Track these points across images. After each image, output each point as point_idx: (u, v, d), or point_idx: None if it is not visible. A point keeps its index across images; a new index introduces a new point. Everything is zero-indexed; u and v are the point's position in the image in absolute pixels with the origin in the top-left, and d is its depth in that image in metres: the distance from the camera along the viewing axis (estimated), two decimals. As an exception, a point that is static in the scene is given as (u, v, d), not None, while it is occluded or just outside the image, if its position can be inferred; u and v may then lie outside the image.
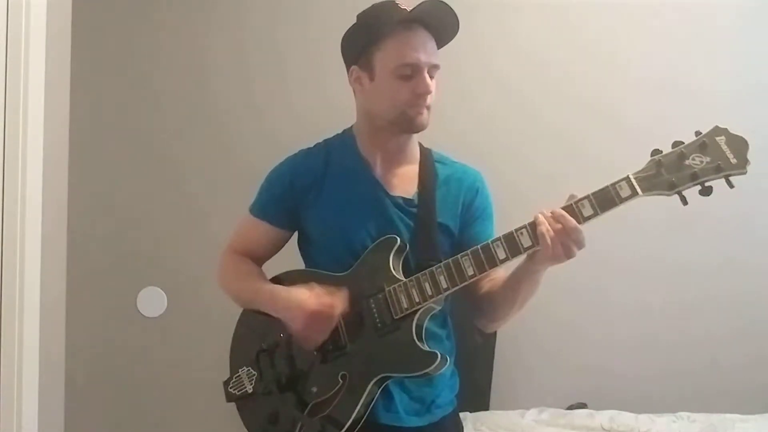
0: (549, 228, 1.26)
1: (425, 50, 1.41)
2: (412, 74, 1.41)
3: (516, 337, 2.70)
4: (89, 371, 2.71)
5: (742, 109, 2.73)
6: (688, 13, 2.87)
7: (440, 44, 1.46)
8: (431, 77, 1.43)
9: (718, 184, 1.22)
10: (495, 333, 2.66)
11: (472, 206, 1.52)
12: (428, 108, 1.44)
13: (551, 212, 1.28)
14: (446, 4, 1.40)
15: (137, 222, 2.82)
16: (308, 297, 1.38)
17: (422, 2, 1.40)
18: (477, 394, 2.63)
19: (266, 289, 1.51)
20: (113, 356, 2.79)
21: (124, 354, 2.80)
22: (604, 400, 2.67)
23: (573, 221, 1.25)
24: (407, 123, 1.45)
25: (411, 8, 1.42)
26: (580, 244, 1.26)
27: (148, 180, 2.83)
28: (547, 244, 1.26)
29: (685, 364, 2.81)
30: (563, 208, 1.28)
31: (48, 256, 1.84)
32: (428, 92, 1.42)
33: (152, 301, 2.82)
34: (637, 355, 2.82)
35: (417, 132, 1.50)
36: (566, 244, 1.25)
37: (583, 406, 2.71)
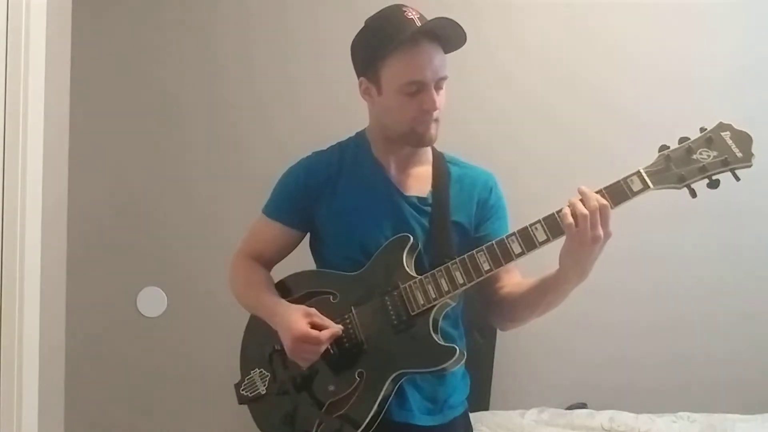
0: (574, 209, 1.26)
1: (431, 66, 1.40)
2: (418, 91, 1.40)
3: (516, 336, 2.68)
4: (89, 371, 2.71)
5: (747, 101, 2.74)
6: (696, 5, 2.85)
7: (448, 51, 1.44)
8: (440, 88, 1.43)
9: (724, 177, 1.25)
10: (495, 333, 2.66)
11: (486, 204, 1.53)
12: (436, 121, 1.45)
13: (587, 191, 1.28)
14: (452, 20, 1.39)
15: (137, 222, 2.82)
16: (297, 323, 1.39)
17: (429, 20, 1.39)
18: (477, 394, 2.62)
19: (268, 303, 1.51)
20: (113, 356, 2.79)
21: (124, 354, 2.80)
22: (604, 400, 2.67)
23: (599, 202, 1.25)
24: (416, 139, 1.46)
25: (418, 16, 1.41)
26: (606, 223, 1.25)
27: (148, 180, 2.83)
28: (569, 224, 1.25)
29: (684, 364, 2.81)
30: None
31: (48, 256, 1.84)
32: (434, 108, 1.42)
33: (152, 301, 2.82)
34: (637, 355, 2.82)
35: (426, 146, 1.51)
36: (593, 222, 1.24)
37: (583, 406, 2.71)
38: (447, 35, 1.41)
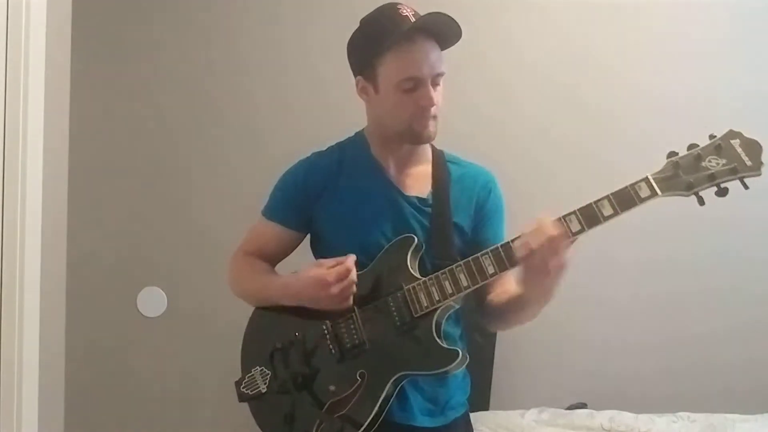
0: (529, 241, 1.26)
1: (427, 62, 1.40)
2: (414, 87, 1.40)
3: (516, 337, 2.69)
4: (89, 371, 2.71)
5: (743, 118, 2.72)
6: (689, 18, 2.87)
7: (444, 47, 1.44)
8: (437, 84, 1.43)
9: (732, 185, 1.24)
10: (495, 333, 2.66)
11: (485, 206, 1.53)
12: (435, 118, 1.44)
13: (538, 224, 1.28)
14: (447, 15, 1.38)
15: (137, 222, 2.82)
16: (317, 274, 1.40)
17: (424, 15, 1.39)
18: (477, 394, 2.61)
19: (277, 280, 1.52)
20: (113, 356, 2.79)
21: (124, 354, 2.80)
22: (604, 400, 2.67)
23: (547, 234, 1.25)
24: (414, 136, 1.46)
25: (413, 13, 1.41)
26: (557, 255, 1.24)
27: (148, 180, 2.83)
28: (521, 257, 1.27)
29: (684, 364, 2.81)
30: (582, 208, 1.28)
31: (48, 256, 1.84)
32: (432, 104, 1.41)
33: (152, 301, 2.82)
34: (637, 355, 2.82)
35: (424, 144, 1.51)
36: (543, 256, 1.24)
37: (583, 406, 2.71)
38: (442, 31, 1.41)
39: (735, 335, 2.82)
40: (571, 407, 2.70)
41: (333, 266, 1.40)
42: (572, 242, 1.28)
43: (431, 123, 1.44)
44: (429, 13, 1.39)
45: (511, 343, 2.75)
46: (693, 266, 2.83)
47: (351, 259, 1.40)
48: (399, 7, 1.43)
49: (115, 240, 2.81)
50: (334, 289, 1.38)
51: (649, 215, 2.52)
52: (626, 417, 2.53)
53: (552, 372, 2.84)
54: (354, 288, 1.40)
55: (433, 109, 1.43)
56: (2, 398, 1.69)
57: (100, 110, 2.79)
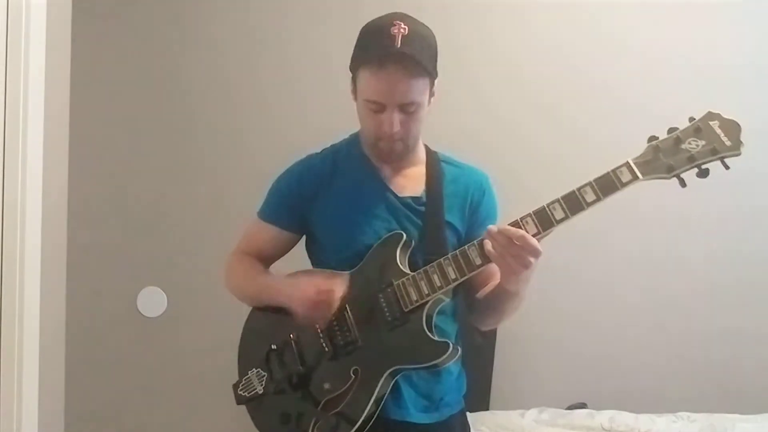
0: (493, 246, 1.29)
1: (394, 90, 1.37)
2: (379, 110, 1.40)
3: (516, 336, 2.70)
4: (89, 371, 2.72)
5: (742, 93, 2.73)
6: (673, 21, 2.85)
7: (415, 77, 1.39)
8: (408, 112, 1.40)
9: (714, 166, 1.25)
10: (495, 333, 2.66)
11: (479, 208, 1.53)
12: (403, 140, 1.43)
13: (498, 229, 1.29)
14: (427, 50, 1.37)
15: (137, 222, 2.83)
16: (307, 284, 1.42)
17: (400, 46, 1.35)
18: (477, 394, 2.63)
19: (271, 283, 1.54)
20: (113, 356, 2.80)
21: (124, 354, 2.80)
22: (604, 400, 2.67)
23: (517, 232, 1.26)
24: (378, 152, 1.47)
25: (403, 35, 1.36)
26: (533, 251, 1.26)
27: (148, 180, 2.84)
28: (496, 258, 1.29)
29: (685, 364, 2.81)
30: (565, 196, 1.28)
31: (48, 257, 1.84)
32: (391, 132, 1.40)
33: (152, 301, 2.82)
34: (637, 355, 2.82)
35: (391, 162, 1.50)
36: (518, 255, 1.27)
37: (583, 406, 2.71)
38: (416, 62, 1.37)
39: (735, 335, 2.82)
40: (571, 407, 2.70)
41: (321, 285, 1.41)
42: (549, 233, 1.30)
43: (397, 144, 1.44)
44: (405, 45, 1.35)
45: (511, 344, 2.75)
46: (693, 267, 2.83)
47: (338, 282, 1.42)
48: (394, 24, 1.38)
49: (115, 240, 2.81)
50: (309, 311, 1.42)
51: (650, 216, 2.56)
52: (626, 417, 2.53)
53: (552, 372, 2.84)
54: (332, 310, 1.42)
55: (396, 134, 1.42)
56: (2, 397, 1.70)
57: (99, 109, 2.79)
